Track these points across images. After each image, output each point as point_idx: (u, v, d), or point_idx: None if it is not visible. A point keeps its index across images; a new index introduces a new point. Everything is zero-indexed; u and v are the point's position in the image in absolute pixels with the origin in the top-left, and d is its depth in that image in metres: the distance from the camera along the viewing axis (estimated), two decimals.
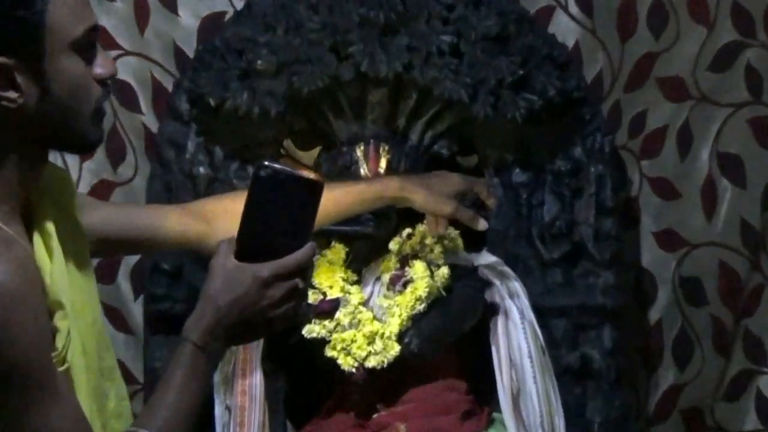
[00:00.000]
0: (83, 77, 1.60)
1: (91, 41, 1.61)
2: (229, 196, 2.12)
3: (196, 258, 2.55)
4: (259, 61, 2.50)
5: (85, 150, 1.72)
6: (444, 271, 2.44)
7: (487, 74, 2.48)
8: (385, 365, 2.39)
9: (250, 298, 1.57)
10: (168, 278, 2.62)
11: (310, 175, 1.57)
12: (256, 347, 2.49)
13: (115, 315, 2.82)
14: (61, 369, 1.56)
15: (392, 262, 2.47)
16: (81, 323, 1.65)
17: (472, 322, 2.49)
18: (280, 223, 1.56)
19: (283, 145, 2.68)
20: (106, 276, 2.83)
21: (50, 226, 1.65)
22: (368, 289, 2.48)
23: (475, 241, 2.58)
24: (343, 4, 2.51)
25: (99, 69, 1.61)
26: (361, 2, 2.50)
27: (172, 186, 2.64)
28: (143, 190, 2.75)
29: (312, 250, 1.59)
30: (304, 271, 1.59)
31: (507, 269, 2.55)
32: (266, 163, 1.55)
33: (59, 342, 1.57)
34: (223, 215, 2.01)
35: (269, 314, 1.59)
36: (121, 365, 2.78)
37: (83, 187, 2.82)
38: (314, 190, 1.56)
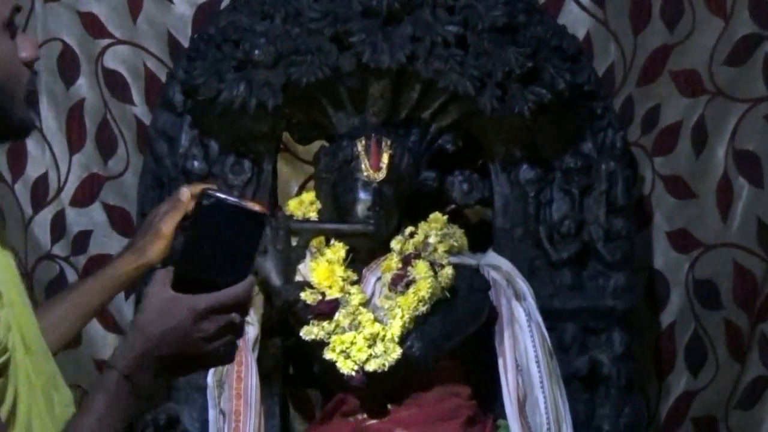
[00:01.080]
0: (14, 59, 1.55)
1: (15, 23, 1.56)
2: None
3: None
4: (256, 51, 2.44)
5: (21, 136, 1.66)
6: (448, 271, 2.41)
7: (494, 66, 2.44)
8: (385, 369, 2.35)
9: (184, 330, 1.53)
10: None
11: (254, 206, 1.53)
12: (252, 349, 2.43)
13: (105, 314, 2.76)
14: (2, 359, 1.50)
15: (394, 261, 2.43)
16: (23, 321, 1.60)
17: (477, 325, 2.46)
18: (221, 254, 1.53)
19: (281, 139, 2.64)
20: None
21: None
22: (369, 290, 2.44)
23: (480, 240, 2.54)
24: None
25: (24, 52, 1.56)
26: None
27: (165, 181, 2.58)
28: (134, 185, 2.70)
29: (251, 285, 1.55)
30: (242, 305, 1.55)
31: (513, 270, 2.52)
32: (210, 192, 1.52)
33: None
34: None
35: (203, 348, 1.54)
36: None
37: (72, 181, 2.80)
38: (258, 223, 1.53)
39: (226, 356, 1.56)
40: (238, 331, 1.55)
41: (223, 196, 1.51)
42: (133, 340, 1.54)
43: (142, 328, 1.53)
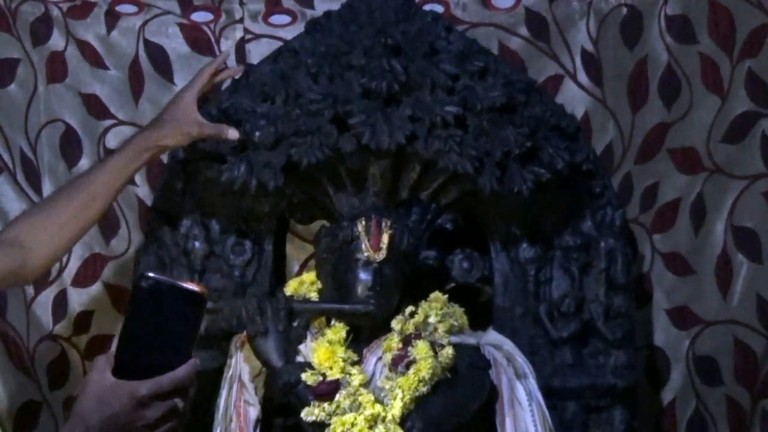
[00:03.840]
0: None
1: None
2: (39, 212, 2.20)
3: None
4: (257, 133, 2.45)
5: None
6: (448, 350, 2.39)
7: (493, 146, 2.44)
8: None
9: (125, 418, 1.52)
10: None
11: (192, 286, 1.52)
12: (253, 431, 2.41)
13: None
14: None
15: (394, 341, 2.42)
16: None
17: (478, 405, 2.43)
18: (160, 336, 1.51)
19: (282, 219, 2.63)
20: None
21: None
22: (370, 370, 2.42)
23: (480, 319, 2.53)
24: (345, 74, 2.47)
25: None
26: (363, 72, 2.45)
27: (166, 261, 2.58)
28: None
29: (194, 367, 1.54)
30: (184, 389, 1.54)
31: (514, 348, 2.50)
32: (148, 274, 1.51)
33: None
34: (36, 233, 2.02)
35: None
36: None
37: (74, 261, 2.79)
38: (197, 303, 1.51)
39: None
40: (181, 415, 1.55)
41: (161, 277, 1.50)
42: (73, 428, 1.54)
43: (82, 416, 1.53)
